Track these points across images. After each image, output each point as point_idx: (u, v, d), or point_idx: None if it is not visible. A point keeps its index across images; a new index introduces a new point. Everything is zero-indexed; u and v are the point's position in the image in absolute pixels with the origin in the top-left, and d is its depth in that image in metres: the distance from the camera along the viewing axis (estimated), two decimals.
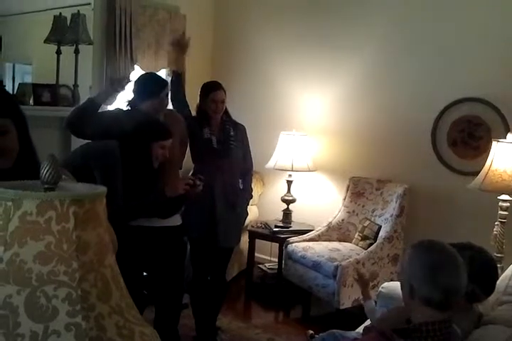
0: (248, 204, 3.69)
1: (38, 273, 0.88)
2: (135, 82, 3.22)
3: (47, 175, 0.93)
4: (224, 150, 3.46)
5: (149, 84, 3.16)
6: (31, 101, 3.92)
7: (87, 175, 2.59)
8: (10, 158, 1.52)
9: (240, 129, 3.60)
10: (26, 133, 1.59)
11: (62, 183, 0.97)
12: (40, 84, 3.95)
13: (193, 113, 3.62)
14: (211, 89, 3.49)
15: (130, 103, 3.18)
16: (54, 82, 3.94)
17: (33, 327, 0.86)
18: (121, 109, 3.22)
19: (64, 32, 3.90)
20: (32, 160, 1.56)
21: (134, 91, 3.18)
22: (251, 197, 3.71)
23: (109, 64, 4.43)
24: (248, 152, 3.64)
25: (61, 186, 0.96)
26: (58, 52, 3.91)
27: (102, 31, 4.41)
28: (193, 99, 4.97)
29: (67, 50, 3.97)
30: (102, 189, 0.98)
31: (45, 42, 3.90)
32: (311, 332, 3.05)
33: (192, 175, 3.38)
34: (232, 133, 3.52)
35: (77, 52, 3.98)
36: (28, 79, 4.46)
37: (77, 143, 3.77)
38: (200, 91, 3.55)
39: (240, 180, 3.61)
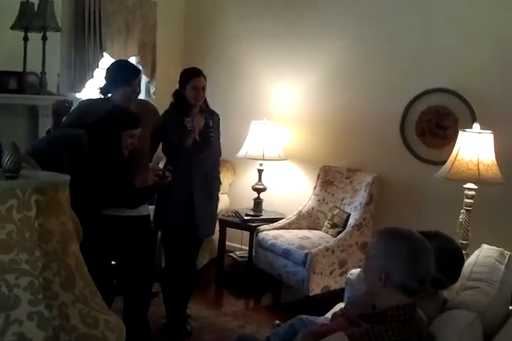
0: (219, 191, 3.69)
1: None
2: (107, 69, 3.18)
3: (8, 163, 0.92)
4: (204, 143, 3.42)
5: (121, 72, 3.12)
6: None
7: (54, 162, 2.56)
8: None
9: (216, 118, 3.55)
10: None
11: (24, 171, 0.96)
12: (6, 72, 3.87)
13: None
14: (192, 76, 3.39)
15: (102, 90, 3.14)
16: (21, 70, 3.86)
17: None
18: (93, 99, 3.18)
19: (31, 18, 3.81)
20: None
21: (105, 78, 3.14)
22: (220, 183, 3.71)
23: (78, 51, 4.37)
24: (219, 140, 3.62)
25: (23, 174, 0.95)
26: (25, 39, 3.83)
27: (70, 18, 4.34)
28: (164, 87, 4.94)
29: (35, 37, 3.89)
30: (65, 178, 0.98)
31: (11, 28, 3.81)
32: (277, 322, 3.07)
33: (164, 166, 3.36)
34: (210, 123, 3.48)
35: (44, 39, 3.90)
36: None
37: (44, 130, 3.73)
38: (180, 78, 3.44)
39: None
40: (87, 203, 2.63)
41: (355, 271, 2.98)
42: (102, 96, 3.14)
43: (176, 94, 3.43)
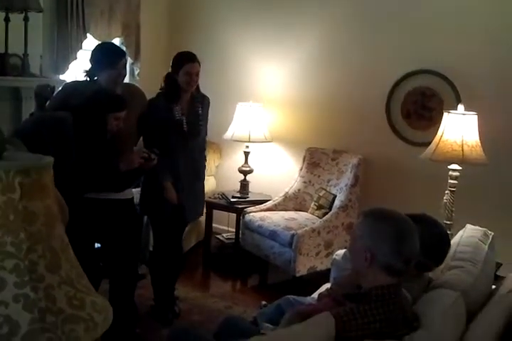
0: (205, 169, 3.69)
1: None
2: (92, 51, 3.14)
3: None
4: (194, 132, 3.39)
5: (106, 54, 3.08)
6: None
7: (39, 144, 2.54)
8: None
9: (206, 103, 3.51)
10: None
11: (8, 153, 0.95)
12: None
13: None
14: (186, 61, 3.31)
15: (88, 73, 3.10)
16: (3, 51, 3.80)
17: None
18: (79, 81, 3.15)
19: None
20: None
21: (90, 60, 3.09)
22: (206, 160, 3.70)
23: (60, 32, 4.30)
24: (206, 122, 3.59)
25: (7, 156, 0.94)
26: (7, 20, 3.76)
27: None
28: (148, 68, 4.89)
29: (16, 18, 3.83)
30: (49, 160, 0.97)
31: None
32: (264, 302, 3.10)
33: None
34: (200, 111, 3.44)
35: (26, 19, 3.83)
36: None
37: (28, 113, 3.69)
38: (173, 62, 3.35)
39: None
40: (72, 185, 2.62)
41: (340, 252, 3.00)
42: (88, 79, 3.10)
43: (168, 78, 3.36)
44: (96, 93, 2.89)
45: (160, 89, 3.44)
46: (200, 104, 3.45)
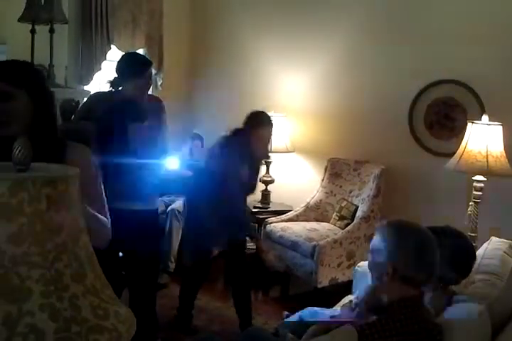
0: None
1: (10, 255, 0.87)
2: (119, 61, 3.18)
3: (19, 156, 0.92)
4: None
5: (134, 63, 3.11)
6: None
7: None
8: (13, 126, 1.64)
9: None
10: (45, 107, 1.71)
11: (34, 164, 0.96)
12: None
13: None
14: (262, 124, 3.40)
15: (113, 83, 3.14)
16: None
17: (7, 308, 0.86)
18: (103, 91, 3.18)
19: (38, 10, 3.82)
20: (41, 135, 1.64)
21: (117, 70, 3.13)
22: None
23: (85, 43, 4.38)
24: None
25: (34, 167, 0.96)
26: (33, 32, 3.84)
27: (77, 10, 4.34)
28: (171, 79, 4.95)
29: (42, 30, 3.90)
30: (75, 170, 0.98)
31: (19, 21, 3.82)
32: (286, 313, 3.08)
33: None
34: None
35: (52, 31, 3.91)
36: (3, 59, 4.38)
37: None
38: (249, 121, 3.42)
39: None
40: None
41: (363, 264, 2.98)
42: (113, 90, 3.13)
43: (242, 134, 3.38)
44: (118, 103, 2.92)
45: (233, 133, 3.44)
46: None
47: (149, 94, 3.26)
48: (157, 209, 3.22)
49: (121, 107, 2.88)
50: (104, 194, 1.87)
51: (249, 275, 3.64)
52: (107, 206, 1.85)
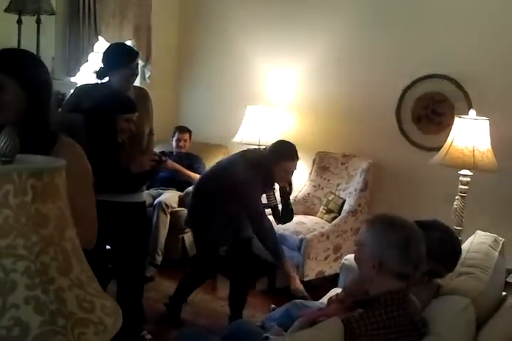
0: None
1: None
2: (105, 51, 3.15)
3: (4, 147, 0.91)
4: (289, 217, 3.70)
5: (120, 54, 3.08)
6: None
7: None
8: (4, 115, 1.65)
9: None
10: (38, 98, 1.71)
11: (20, 156, 0.95)
12: None
13: None
14: (290, 158, 3.34)
15: (99, 74, 3.11)
16: None
17: None
18: (90, 83, 3.16)
19: (25, 1, 3.77)
20: (34, 122, 1.67)
21: (103, 61, 3.10)
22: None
23: (72, 35, 4.34)
24: None
25: (19, 159, 0.95)
26: (19, 22, 3.79)
27: (64, 1, 4.30)
28: (159, 71, 4.93)
29: (29, 20, 3.85)
30: (61, 162, 0.97)
31: (5, 11, 3.77)
32: (273, 306, 3.10)
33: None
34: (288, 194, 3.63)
35: (39, 22, 3.86)
36: None
37: None
38: (275, 151, 3.35)
39: None
40: None
41: (350, 257, 2.99)
42: (99, 81, 3.11)
43: (264, 164, 3.32)
44: (107, 95, 2.90)
45: (258, 158, 3.39)
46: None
47: (134, 86, 3.24)
48: (144, 202, 3.21)
49: (109, 99, 2.86)
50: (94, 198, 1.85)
51: (252, 270, 3.65)
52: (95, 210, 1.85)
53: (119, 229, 3.05)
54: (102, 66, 3.10)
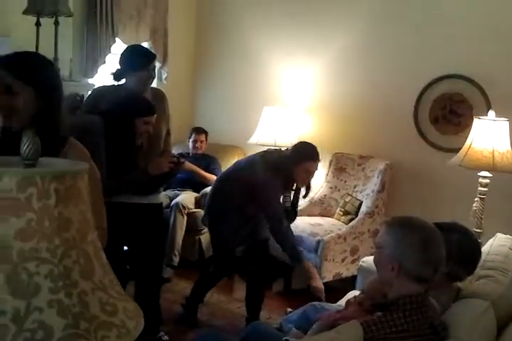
0: None
1: (19, 250, 0.87)
2: (122, 53, 3.16)
3: (27, 150, 0.92)
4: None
5: (137, 56, 3.09)
6: None
7: None
8: (18, 119, 1.67)
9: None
10: (51, 104, 1.72)
11: (42, 159, 0.96)
12: None
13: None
14: (311, 159, 3.34)
15: (116, 75, 3.12)
16: None
17: (15, 304, 0.85)
18: (107, 85, 3.18)
19: (43, 3, 3.80)
20: (46, 125, 1.67)
21: (120, 63, 3.11)
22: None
23: (90, 36, 4.36)
24: None
25: (42, 162, 0.95)
26: (38, 24, 3.82)
27: (82, 2, 4.33)
28: (176, 72, 4.94)
29: (47, 22, 3.88)
30: (84, 165, 0.97)
31: (23, 13, 3.80)
32: (289, 309, 3.09)
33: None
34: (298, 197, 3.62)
35: (56, 24, 3.89)
36: (7, 52, 4.36)
37: None
38: (296, 152, 3.37)
39: None
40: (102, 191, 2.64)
41: (367, 259, 2.98)
42: (116, 82, 3.12)
43: (286, 164, 3.33)
44: (125, 97, 2.91)
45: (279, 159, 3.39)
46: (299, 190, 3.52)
47: (151, 87, 3.25)
48: (161, 204, 3.22)
49: (127, 101, 2.87)
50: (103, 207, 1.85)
51: (269, 271, 3.66)
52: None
53: (136, 230, 3.06)
54: (119, 68, 3.11)
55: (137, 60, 3.05)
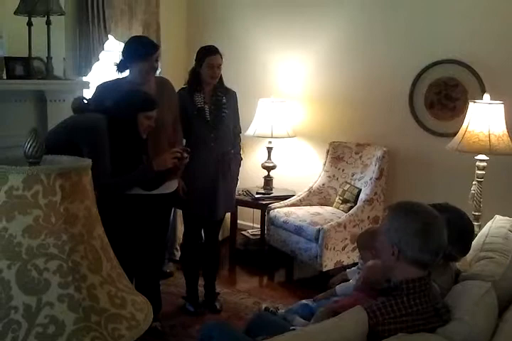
0: (240, 166, 3.73)
1: (27, 247, 0.89)
2: (125, 43, 3.16)
3: (31, 149, 0.93)
4: (217, 120, 3.45)
5: (141, 46, 3.08)
6: (4, 75, 3.84)
7: (71, 151, 2.57)
8: None
9: (231, 96, 3.58)
10: None
11: (46, 157, 0.97)
12: (12, 57, 3.85)
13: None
14: (208, 53, 3.43)
15: (119, 66, 3.12)
16: (26, 55, 3.85)
17: (26, 300, 0.87)
18: (109, 80, 3.18)
19: (34, 3, 3.79)
20: None
21: (123, 53, 3.10)
22: (241, 159, 3.75)
23: (82, 34, 4.35)
24: (238, 117, 3.66)
25: (46, 160, 0.97)
26: (29, 24, 3.81)
27: (73, 1, 4.31)
28: (169, 67, 4.92)
29: (39, 22, 3.87)
30: (88, 161, 0.99)
31: (15, 13, 3.79)
32: (265, 305, 3.05)
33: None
34: (224, 100, 3.50)
35: (48, 23, 3.87)
36: (0, 54, 4.36)
37: (53, 116, 3.74)
38: (197, 56, 3.48)
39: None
40: (107, 188, 2.66)
41: None
42: (119, 73, 3.12)
43: (192, 72, 3.49)
44: (127, 93, 2.91)
45: (184, 85, 3.53)
46: (222, 94, 3.51)
47: (156, 76, 3.26)
48: (172, 192, 3.22)
49: (128, 97, 2.87)
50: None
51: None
52: None
53: (140, 222, 3.07)
54: (122, 58, 3.11)
55: (140, 50, 3.03)
